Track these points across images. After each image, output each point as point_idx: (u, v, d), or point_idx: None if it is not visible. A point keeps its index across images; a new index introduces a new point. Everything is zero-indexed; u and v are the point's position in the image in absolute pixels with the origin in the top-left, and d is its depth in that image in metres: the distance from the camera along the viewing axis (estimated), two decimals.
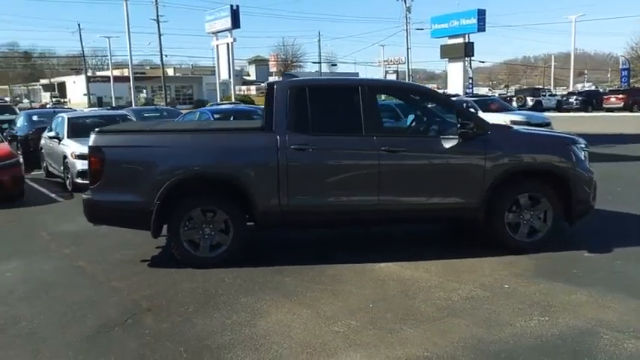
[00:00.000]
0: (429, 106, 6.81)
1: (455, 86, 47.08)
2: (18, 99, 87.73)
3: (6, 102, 43.43)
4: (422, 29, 57.10)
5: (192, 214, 6.00)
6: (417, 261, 6.11)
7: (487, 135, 6.23)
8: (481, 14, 45.70)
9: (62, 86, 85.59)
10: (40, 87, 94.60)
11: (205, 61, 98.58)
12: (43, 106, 53.60)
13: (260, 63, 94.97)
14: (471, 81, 48.65)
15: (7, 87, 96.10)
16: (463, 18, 46.77)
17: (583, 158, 6.48)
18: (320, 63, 79.43)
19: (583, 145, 6.61)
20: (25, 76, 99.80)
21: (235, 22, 37.87)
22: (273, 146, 5.96)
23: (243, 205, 6.05)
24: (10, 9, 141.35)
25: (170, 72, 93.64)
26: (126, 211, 5.99)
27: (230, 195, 6.04)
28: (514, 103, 44.40)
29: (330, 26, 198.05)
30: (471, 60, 50.54)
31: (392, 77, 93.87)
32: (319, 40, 79.86)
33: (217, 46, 39.74)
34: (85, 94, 63.74)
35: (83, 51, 67.78)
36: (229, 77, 38.46)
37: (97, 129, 6.13)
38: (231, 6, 37.63)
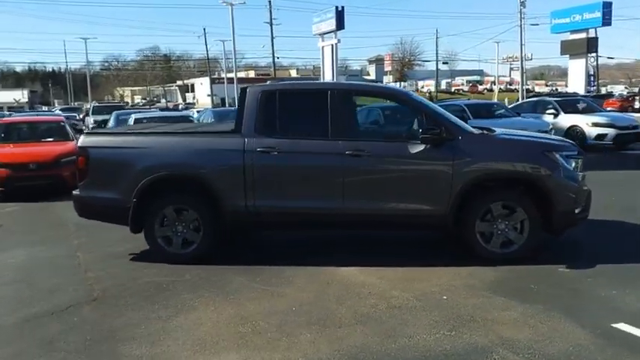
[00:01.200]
0: (400, 109, 6.66)
1: (576, 84, 44.29)
2: (156, 99, 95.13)
3: (120, 103, 47.53)
4: (537, 24, 54.45)
5: (165, 212, 6.35)
6: (380, 267, 6.02)
7: (456, 141, 6.01)
8: (606, 7, 42.66)
9: (192, 88, 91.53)
10: (177, 88, 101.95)
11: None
12: (176, 106, 57.65)
13: (380, 62, 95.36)
14: (592, 78, 45.45)
15: (145, 88, 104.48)
16: (586, 12, 43.93)
17: (569, 166, 6.04)
18: (437, 61, 77.99)
19: (572, 153, 6.17)
20: (162, 77, 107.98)
21: (340, 24, 38.14)
22: (240, 149, 6.17)
23: (213, 206, 6.31)
24: (154, 17, 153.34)
25: (293, 73, 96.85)
26: (108, 207, 6.46)
27: (200, 195, 6.33)
28: (637, 103, 40.85)
29: (447, 23, 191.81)
30: (597, 56, 47.35)
31: (516, 74, 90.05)
32: (437, 38, 78.43)
33: (323, 47, 40.36)
34: (208, 95, 67.52)
35: (207, 54, 71.78)
36: (332, 78, 38.94)
37: (85, 131, 6.70)
38: (336, 7, 37.99)
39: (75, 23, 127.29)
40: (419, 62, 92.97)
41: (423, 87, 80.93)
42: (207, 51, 70.59)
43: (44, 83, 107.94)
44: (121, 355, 4.20)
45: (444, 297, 5.16)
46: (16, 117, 13.18)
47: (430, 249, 6.90)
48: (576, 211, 6.05)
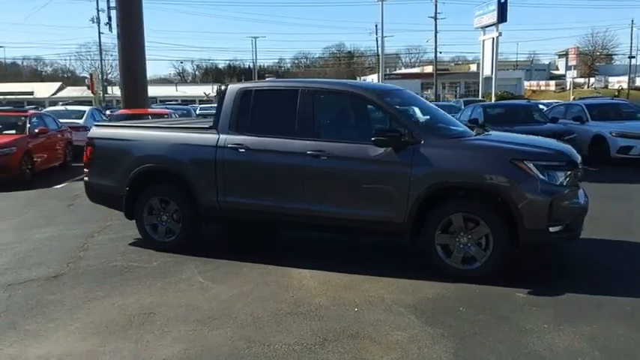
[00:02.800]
0: (370, 110, 6.27)
1: None
2: None
3: None
4: None
5: (152, 202, 6.74)
6: (337, 272, 5.79)
7: (418, 145, 5.56)
8: None
9: None
10: None
11: (511, 57, 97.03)
12: None
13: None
14: None
15: None
16: None
17: (545, 177, 5.27)
18: (630, 56, 70.20)
19: (556, 163, 5.38)
20: (342, 73, 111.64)
21: (502, 16, 36.34)
22: (214, 144, 6.32)
23: (190, 198, 6.55)
24: (340, 16, 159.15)
25: (473, 68, 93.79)
26: (108, 193, 7.02)
27: (179, 187, 6.60)
28: None
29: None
30: None
31: None
32: (632, 29, 70.58)
33: (483, 41, 38.74)
34: None
35: (377, 50, 72.37)
36: (492, 72, 37.21)
37: (95, 123, 7.33)
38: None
39: (268, 24, 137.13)
40: (612, 56, 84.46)
41: (613, 84, 73.31)
42: (377, 47, 71.29)
43: (240, 79, 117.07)
44: (12, 328, 4.56)
45: (356, 309, 4.85)
46: (133, 109, 14.66)
47: (407, 256, 6.42)
48: (551, 229, 5.27)
